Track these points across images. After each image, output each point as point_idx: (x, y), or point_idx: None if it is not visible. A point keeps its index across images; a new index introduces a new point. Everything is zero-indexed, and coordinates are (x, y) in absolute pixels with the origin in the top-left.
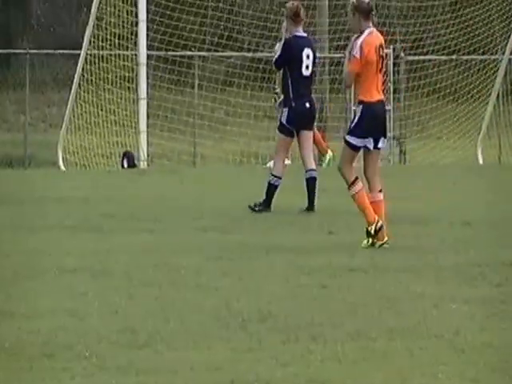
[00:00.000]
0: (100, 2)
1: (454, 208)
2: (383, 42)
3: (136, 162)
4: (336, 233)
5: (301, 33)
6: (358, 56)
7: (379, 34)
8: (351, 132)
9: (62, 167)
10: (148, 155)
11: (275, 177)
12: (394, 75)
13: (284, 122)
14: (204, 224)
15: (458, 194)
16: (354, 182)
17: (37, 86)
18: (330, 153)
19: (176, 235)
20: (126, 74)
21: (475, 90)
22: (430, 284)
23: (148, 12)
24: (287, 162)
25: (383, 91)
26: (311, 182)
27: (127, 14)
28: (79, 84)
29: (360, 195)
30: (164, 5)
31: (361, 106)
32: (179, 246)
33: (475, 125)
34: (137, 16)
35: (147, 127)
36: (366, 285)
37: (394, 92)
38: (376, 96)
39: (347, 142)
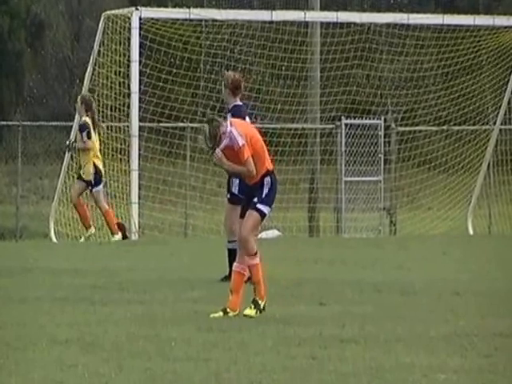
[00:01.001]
0: (93, 74)
1: (443, 278)
2: None
3: (127, 233)
4: (327, 303)
5: (239, 102)
6: (243, 142)
7: None
8: (264, 201)
9: (54, 239)
10: (139, 227)
11: (232, 241)
12: (384, 146)
13: (236, 193)
14: (195, 295)
15: (447, 264)
16: (256, 254)
17: (29, 157)
18: (92, 229)
19: (167, 306)
20: (118, 146)
21: (466, 161)
22: (420, 354)
23: (140, 83)
24: (278, 233)
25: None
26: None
27: (119, 86)
28: (71, 156)
29: (258, 268)
30: (156, 76)
31: (269, 176)
32: (170, 318)
33: (466, 195)
34: (129, 88)
35: (139, 198)
36: (357, 355)
37: (385, 163)
38: (271, 164)
39: (260, 211)
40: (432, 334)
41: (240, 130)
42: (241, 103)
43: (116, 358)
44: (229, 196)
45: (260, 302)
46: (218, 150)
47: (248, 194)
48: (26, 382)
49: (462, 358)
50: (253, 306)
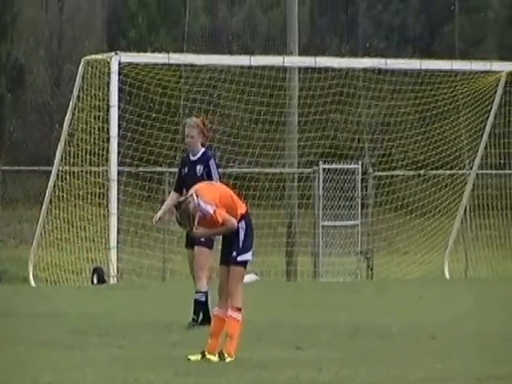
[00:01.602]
0: (72, 119)
1: (420, 322)
2: None
3: (106, 277)
4: (303, 348)
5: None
6: (213, 209)
7: None
8: (243, 251)
9: (33, 283)
10: (118, 271)
11: (200, 292)
12: (362, 190)
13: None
14: (173, 339)
15: (424, 307)
16: (240, 310)
17: (8, 202)
18: None
19: (145, 350)
20: (97, 190)
21: (443, 205)
22: None
23: (119, 128)
24: (256, 277)
25: None
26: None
27: (99, 131)
28: (50, 200)
29: (239, 325)
30: (135, 121)
31: (243, 221)
32: (148, 362)
33: (442, 239)
34: (108, 132)
35: (117, 243)
36: None
37: (362, 207)
38: (244, 206)
39: (242, 262)
40: (409, 377)
41: (206, 198)
42: (206, 148)
43: None
44: (203, 239)
45: (227, 357)
46: (195, 229)
47: (225, 241)
48: None
49: None
50: (217, 357)
